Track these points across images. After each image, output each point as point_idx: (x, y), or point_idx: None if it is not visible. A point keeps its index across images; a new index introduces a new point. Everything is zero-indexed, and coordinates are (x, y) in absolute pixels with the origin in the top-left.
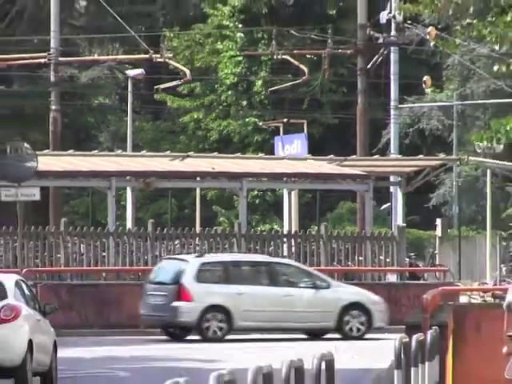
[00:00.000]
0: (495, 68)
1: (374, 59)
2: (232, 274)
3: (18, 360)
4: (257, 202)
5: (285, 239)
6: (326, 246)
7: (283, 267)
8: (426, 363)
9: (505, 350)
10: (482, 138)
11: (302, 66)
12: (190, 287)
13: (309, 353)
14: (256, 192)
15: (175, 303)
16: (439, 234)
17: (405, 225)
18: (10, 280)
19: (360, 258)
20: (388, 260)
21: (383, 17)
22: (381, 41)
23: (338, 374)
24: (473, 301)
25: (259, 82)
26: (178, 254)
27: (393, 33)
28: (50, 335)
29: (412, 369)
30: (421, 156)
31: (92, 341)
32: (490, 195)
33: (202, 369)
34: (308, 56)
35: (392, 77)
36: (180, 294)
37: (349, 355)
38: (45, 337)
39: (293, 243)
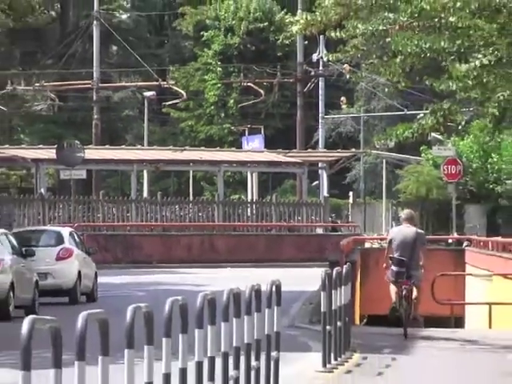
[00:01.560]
0: (386, 90)
1: (308, 85)
2: None
3: (72, 284)
4: (230, 180)
5: (248, 205)
6: (275, 209)
7: None
8: (343, 287)
9: (384, 265)
10: (380, 138)
11: (260, 90)
12: None
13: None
14: (229, 173)
15: None
16: (351, 202)
17: (328, 195)
18: (66, 231)
19: (299, 218)
20: (317, 219)
21: (314, 57)
22: (312, 73)
23: (283, 294)
24: (373, 246)
25: (232, 101)
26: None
27: (321, 68)
28: (92, 268)
29: (333, 291)
30: (339, 150)
31: (120, 272)
32: (385, 176)
33: (199, 291)
34: (264, 83)
35: (320, 97)
36: None
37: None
38: (89, 269)
39: (254, 207)
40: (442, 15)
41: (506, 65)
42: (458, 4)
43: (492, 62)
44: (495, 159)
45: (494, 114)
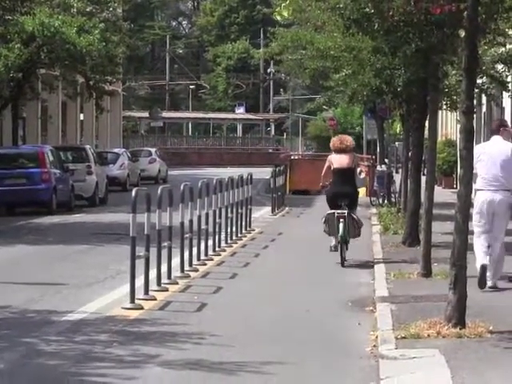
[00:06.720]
0: (302, 85)
1: (265, 83)
2: None
3: (155, 174)
4: (229, 127)
5: (238, 139)
6: (250, 141)
7: None
8: (281, 176)
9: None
10: (301, 109)
11: (243, 85)
12: None
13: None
14: (229, 124)
15: None
16: (285, 137)
17: (274, 134)
18: (153, 150)
19: (260, 145)
20: (269, 145)
21: (268, 70)
22: (267, 78)
23: (254, 179)
24: (296, 158)
25: (230, 90)
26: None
27: (271, 75)
28: (164, 166)
29: (276, 178)
30: (279, 113)
31: (178, 169)
32: (300, 125)
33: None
34: (245, 83)
35: (271, 88)
36: None
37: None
38: (164, 167)
39: (240, 140)
40: (328, 51)
41: (355, 74)
42: (336, 46)
43: (350, 73)
44: (350, 117)
45: (349, 95)
